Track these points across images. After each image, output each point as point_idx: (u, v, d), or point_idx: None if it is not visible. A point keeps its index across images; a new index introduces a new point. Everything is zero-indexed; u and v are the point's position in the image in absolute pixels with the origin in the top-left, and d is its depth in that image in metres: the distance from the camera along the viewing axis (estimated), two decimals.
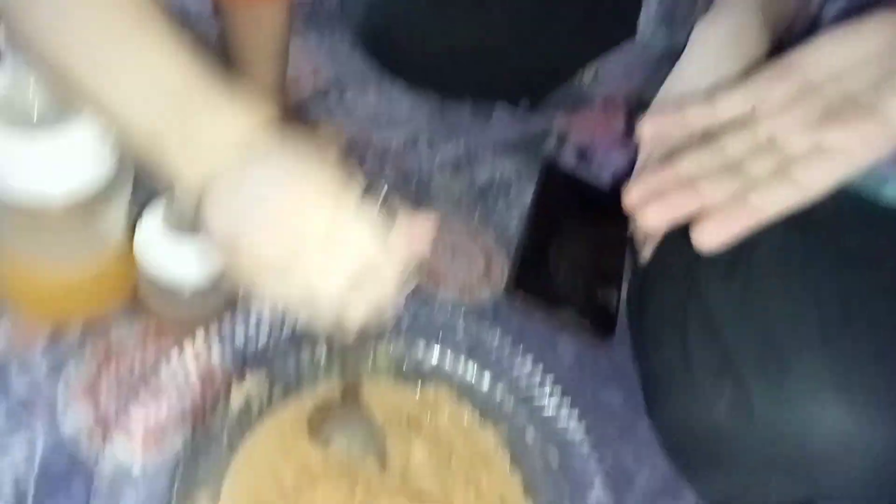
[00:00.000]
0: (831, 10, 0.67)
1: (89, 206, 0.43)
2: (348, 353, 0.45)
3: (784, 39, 0.67)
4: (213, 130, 0.35)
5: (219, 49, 0.63)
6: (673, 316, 0.49)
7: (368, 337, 0.40)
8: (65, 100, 0.40)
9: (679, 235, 0.60)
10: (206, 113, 0.35)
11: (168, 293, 0.47)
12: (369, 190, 0.36)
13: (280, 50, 0.64)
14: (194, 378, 0.48)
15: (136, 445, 0.45)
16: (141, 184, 0.60)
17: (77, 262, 0.47)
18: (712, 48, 0.61)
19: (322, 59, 0.76)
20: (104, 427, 0.47)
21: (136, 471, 0.44)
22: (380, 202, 0.36)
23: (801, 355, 0.41)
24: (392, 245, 0.36)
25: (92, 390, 0.48)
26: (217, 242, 0.35)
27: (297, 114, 0.70)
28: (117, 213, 0.47)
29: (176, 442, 0.46)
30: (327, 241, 0.34)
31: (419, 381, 0.52)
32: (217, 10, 0.62)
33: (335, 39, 0.79)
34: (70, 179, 0.41)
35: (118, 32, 0.35)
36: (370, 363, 0.48)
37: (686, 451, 0.49)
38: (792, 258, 0.44)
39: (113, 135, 0.41)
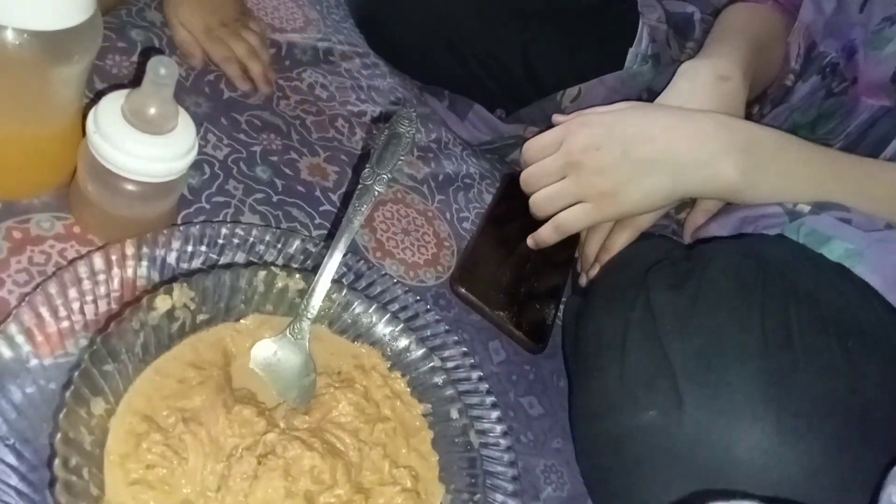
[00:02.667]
0: (802, 90, 0.71)
1: (48, 47, 0.39)
2: None
3: (760, 99, 0.71)
4: None
5: None
6: (616, 320, 0.49)
7: None
8: None
9: (635, 247, 0.61)
10: None
11: (109, 185, 0.44)
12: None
13: None
14: (114, 284, 0.45)
15: (32, 340, 0.41)
16: (102, 74, 0.56)
17: (17, 120, 0.43)
18: (693, 89, 0.64)
19: (315, 16, 0.75)
20: (2, 315, 0.43)
21: (27, 367, 0.40)
22: None
23: (739, 368, 0.41)
24: None
25: None
26: None
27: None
28: (76, 74, 0.43)
29: (79, 345, 0.42)
30: None
31: (356, 340, 0.50)
32: None
33: (331, 5, 0.78)
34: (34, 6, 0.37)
35: None
36: (311, 310, 0.46)
37: (603, 452, 0.48)
38: (744, 283, 0.45)
39: None
